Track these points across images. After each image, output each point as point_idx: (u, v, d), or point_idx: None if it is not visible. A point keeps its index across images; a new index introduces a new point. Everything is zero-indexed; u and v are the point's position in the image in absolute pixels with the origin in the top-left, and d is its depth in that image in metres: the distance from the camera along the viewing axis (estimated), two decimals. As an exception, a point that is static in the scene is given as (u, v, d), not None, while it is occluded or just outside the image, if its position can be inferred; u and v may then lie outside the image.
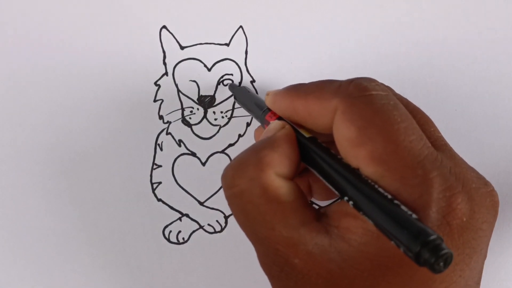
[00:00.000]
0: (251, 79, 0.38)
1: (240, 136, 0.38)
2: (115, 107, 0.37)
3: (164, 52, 0.37)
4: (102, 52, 0.37)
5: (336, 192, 0.25)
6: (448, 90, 0.38)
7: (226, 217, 0.38)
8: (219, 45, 0.38)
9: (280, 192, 0.24)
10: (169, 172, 0.37)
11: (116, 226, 0.37)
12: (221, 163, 0.38)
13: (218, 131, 0.38)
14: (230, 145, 0.38)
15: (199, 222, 0.38)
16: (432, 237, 0.20)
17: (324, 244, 0.24)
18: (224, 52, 0.38)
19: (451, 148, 0.26)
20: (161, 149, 0.37)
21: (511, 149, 0.38)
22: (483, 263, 0.25)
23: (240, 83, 0.37)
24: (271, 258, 0.25)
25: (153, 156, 0.37)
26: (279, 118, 0.29)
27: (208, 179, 0.38)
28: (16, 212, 0.37)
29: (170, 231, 0.37)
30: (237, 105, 0.38)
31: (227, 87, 0.37)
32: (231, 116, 0.38)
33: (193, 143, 0.38)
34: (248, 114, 0.38)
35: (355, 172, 0.24)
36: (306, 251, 0.24)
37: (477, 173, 0.26)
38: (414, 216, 0.21)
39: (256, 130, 0.34)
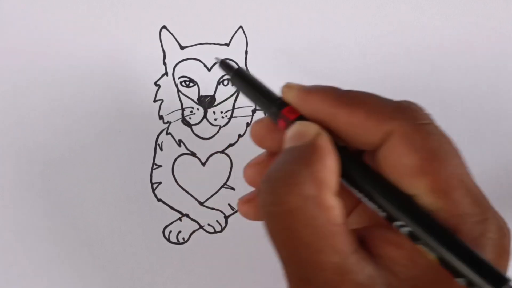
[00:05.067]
0: (251, 79, 0.38)
1: (240, 136, 0.38)
2: (115, 107, 0.37)
3: (164, 52, 0.37)
4: (102, 52, 0.37)
5: (381, 215, 0.23)
6: (448, 90, 0.38)
7: (226, 217, 0.38)
8: (219, 45, 0.38)
9: (334, 213, 0.23)
10: (169, 172, 0.37)
11: (116, 226, 0.37)
12: (221, 163, 0.38)
13: (218, 131, 0.38)
14: (230, 145, 0.38)
15: (199, 222, 0.38)
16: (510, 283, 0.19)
17: (373, 275, 0.22)
18: (224, 52, 0.38)
19: None
20: (161, 149, 0.37)
21: (511, 149, 0.38)
22: None
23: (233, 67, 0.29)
24: (313, 286, 0.23)
25: (153, 156, 0.37)
26: (300, 117, 0.26)
27: (208, 179, 0.38)
28: (16, 212, 0.37)
29: (170, 231, 0.37)
30: (237, 105, 0.38)
31: (217, 64, 0.29)
32: (231, 116, 0.38)
33: (193, 143, 0.38)
34: (248, 114, 0.38)
35: (410, 199, 0.23)
36: (355, 282, 0.22)
37: None
38: (480, 256, 0.21)
39: (257, 124, 0.28)
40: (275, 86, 0.33)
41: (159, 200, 0.37)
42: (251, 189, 0.38)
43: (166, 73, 0.37)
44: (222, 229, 0.38)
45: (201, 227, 0.38)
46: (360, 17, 0.38)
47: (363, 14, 0.38)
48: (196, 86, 0.37)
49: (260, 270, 0.37)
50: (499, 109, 0.38)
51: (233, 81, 0.28)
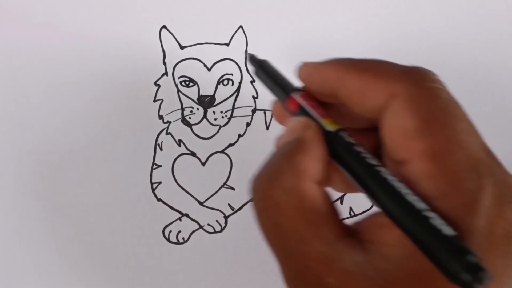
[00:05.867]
0: (251, 79, 0.38)
1: (240, 136, 0.38)
2: (115, 107, 0.37)
3: (164, 52, 0.37)
4: (102, 52, 0.37)
5: (366, 195, 0.23)
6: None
7: (226, 217, 0.38)
8: (219, 45, 0.38)
9: (316, 202, 0.23)
10: (169, 172, 0.37)
11: (116, 226, 0.37)
12: (221, 163, 0.38)
13: (218, 131, 0.38)
14: (230, 145, 0.38)
15: (199, 222, 0.38)
16: (471, 258, 0.19)
17: (360, 261, 0.22)
18: (224, 52, 0.38)
19: (494, 154, 0.24)
20: (161, 149, 0.37)
21: (511, 149, 0.38)
22: None
23: (260, 60, 0.30)
24: (302, 277, 0.23)
25: (153, 156, 0.37)
26: (301, 110, 0.26)
27: (208, 179, 0.38)
28: (16, 212, 0.37)
29: (170, 231, 0.37)
30: (237, 105, 0.38)
31: (247, 60, 0.32)
32: (231, 116, 0.38)
33: (193, 143, 0.38)
34: (248, 114, 0.38)
35: (389, 176, 0.22)
36: (342, 269, 0.22)
37: None
38: (451, 231, 0.20)
39: (276, 104, 0.30)
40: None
41: (159, 200, 0.37)
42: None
43: (166, 73, 0.37)
44: (222, 229, 0.38)
45: (201, 227, 0.38)
46: (360, 17, 0.38)
47: (363, 14, 0.38)
48: (196, 86, 0.37)
49: (260, 270, 0.37)
50: (499, 109, 0.38)
51: (256, 75, 0.30)
